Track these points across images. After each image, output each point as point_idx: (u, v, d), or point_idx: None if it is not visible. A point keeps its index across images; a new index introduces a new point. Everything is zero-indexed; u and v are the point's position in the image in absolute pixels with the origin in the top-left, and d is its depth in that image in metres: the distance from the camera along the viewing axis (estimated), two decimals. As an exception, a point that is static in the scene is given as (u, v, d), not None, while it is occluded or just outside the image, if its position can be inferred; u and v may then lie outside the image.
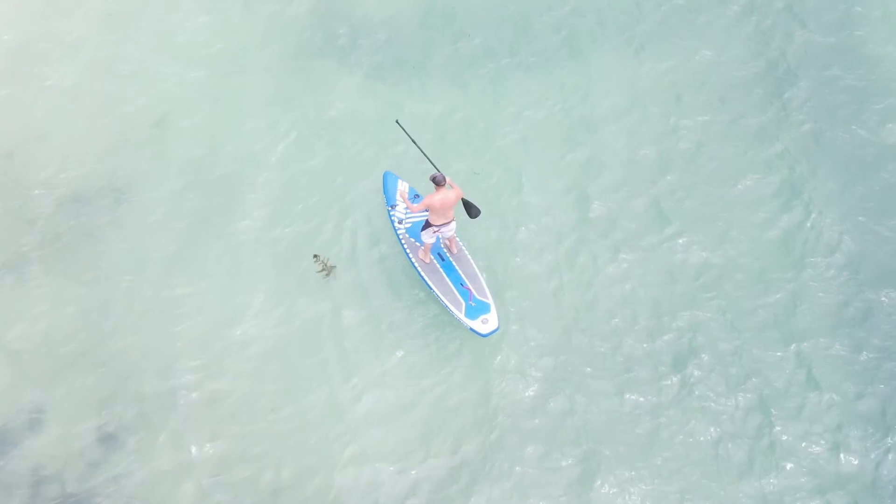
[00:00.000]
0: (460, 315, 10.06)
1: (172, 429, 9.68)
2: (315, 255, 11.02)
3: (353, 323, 10.49)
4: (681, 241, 11.12)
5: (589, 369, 10.11)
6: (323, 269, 10.89)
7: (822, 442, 9.53)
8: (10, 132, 12.08)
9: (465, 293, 10.24)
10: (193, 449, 9.56)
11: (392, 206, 11.07)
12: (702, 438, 9.64)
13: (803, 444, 9.52)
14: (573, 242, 11.12)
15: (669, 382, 10.01)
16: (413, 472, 9.45)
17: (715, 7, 13.58)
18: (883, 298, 10.51)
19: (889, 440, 9.47)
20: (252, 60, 13.00)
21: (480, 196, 11.35)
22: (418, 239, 10.66)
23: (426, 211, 9.89)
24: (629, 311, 10.55)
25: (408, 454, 9.57)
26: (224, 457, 9.53)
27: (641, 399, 9.91)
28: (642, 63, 12.89)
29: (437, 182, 9.58)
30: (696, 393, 9.92)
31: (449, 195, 9.67)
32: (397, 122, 10.39)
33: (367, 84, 12.77)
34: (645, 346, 10.28)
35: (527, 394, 9.96)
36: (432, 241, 10.27)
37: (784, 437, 9.57)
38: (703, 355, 10.18)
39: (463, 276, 10.42)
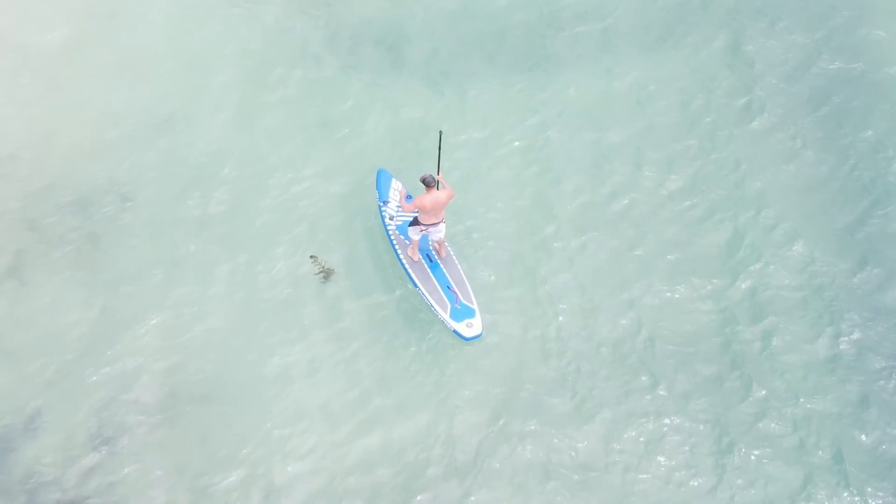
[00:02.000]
0: (445, 316, 9.86)
1: (167, 434, 9.53)
2: (312, 256, 10.77)
3: (350, 324, 10.33)
4: (666, 274, 10.86)
5: (556, 400, 9.84)
6: (321, 272, 10.62)
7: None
8: (15, 135, 11.99)
9: (452, 296, 10.04)
10: (188, 455, 9.40)
11: (384, 203, 10.86)
12: (678, 479, 9.35)
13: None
14: (548, 272, 10.83)
15: (645, 419, 9.73)
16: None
17: (706, 25, 13.53)
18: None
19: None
20: (261, 66, 12.93)
21: (459, 211, 11.22)
22: (407, 236, 10.44)
23: (417, 211, 9.78)
24: (610, 347, 10.24)
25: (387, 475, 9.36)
26: (217, 464, 9.36)
27: (625, 437, 9.59)
28: (648, 97, 12.72)
29: (427, 183, 9.48)
30: (674, 435, 9.62)
31: (440, 196, 9.56)
32: (440, 133, 10.05)
33: (366, 89, 12.70)
34: (624, 382, 9.98)
35: (498, 421, 9.71)
36: (417, 237, 10.12)
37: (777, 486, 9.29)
38: (683, 394, 9.91)
39: (450, 279, 10.22)
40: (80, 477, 9.21)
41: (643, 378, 9.92)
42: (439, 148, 9.90)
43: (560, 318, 10.34)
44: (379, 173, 11.15)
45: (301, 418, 9.62)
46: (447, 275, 10.23)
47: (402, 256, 10.39)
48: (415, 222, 9.93)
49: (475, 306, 9.97)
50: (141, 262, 10.79)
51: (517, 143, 12.05)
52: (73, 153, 11.79)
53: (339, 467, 9.32)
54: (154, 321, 10.28)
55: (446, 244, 10.46)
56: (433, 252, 10.45)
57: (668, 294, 10.59)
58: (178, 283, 10.60)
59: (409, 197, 10.94)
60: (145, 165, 11.72)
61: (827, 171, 11.71)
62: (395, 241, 10.53)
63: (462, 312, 9.87)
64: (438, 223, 9.85)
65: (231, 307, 10.43)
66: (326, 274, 10.59)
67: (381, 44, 13.27)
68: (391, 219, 10.72)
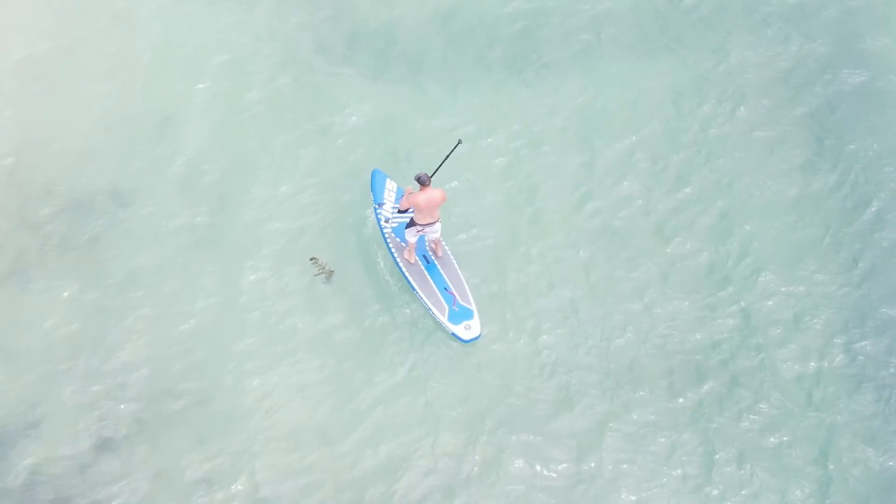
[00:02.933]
0: (443, 319, 9.69)
1: (165, 435, 9.50)
2: (312, 258, 10.64)
3: (345, 332, 10.20)
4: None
5: (556, 411, 9.63)
6: (321, 273, 10.49)
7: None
8: (15, 137, 11.97)
9: (449, 298, 9.87)
10: (186, 456, 9.35)
11: (379, 205, 10.67)
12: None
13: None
14: (554, 275, 10.65)
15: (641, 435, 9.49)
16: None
17: (710, 35, 13.29)
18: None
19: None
20: (255, 69, 12.83)
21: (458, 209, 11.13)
22: (403, 239, 10.25)
23: (411, 210, 9.69)
24: (612, 358, 9.99)
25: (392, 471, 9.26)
26: (215, 465, 9.32)
27: (627, 449, 9.37)
28: (651, 107, 12.46)
29: (422, 182, 9.45)
30: (676, 446, 9.38)
31: (434, 194, 9.52)
32: (459, 141, 10.03)
33: (366, 91, 12.59)
34: (625, 393, 9.74)
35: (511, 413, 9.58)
36: (415, 240, 9.99)
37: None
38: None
39: (447, 280, 10.06)
40: (76, 479, 9.18)
41: (645, 389, 9.70)
42: (448, 154, 9.81)
43: (561, 329, 10.13)
44: (373, 174, 10.97)
45: (295, 429, 9.49)
46: (444, 275, 10.07)
47: (398, 260, 10.22)
48: (411, 223, 9.80)
49: (473, 307, 9.80)
50: (138, 267, 10.72)
51: (521, 152, 11.84)
52: (72, 157, 11.70)
53: (331, 479, 9.18)
54: (152, 326, 10.23)
55: (443, 243, 10.33)
56: (430, 252, 10.30)
57: (672, 305, 10.36)
58: (177, 289, 10.52)
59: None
60: (143, 170, 11.62)
61: (834, 179, 11.52)
62: (391, 245, 10.35)
63: (460, 314, 9.70)
64: (434, 223, 9.73)
65: (229, 314, 10.31)
66: (328, 275, 10.45)
67: (381, 49, 13.12)
68: (386, 221, 10.53)
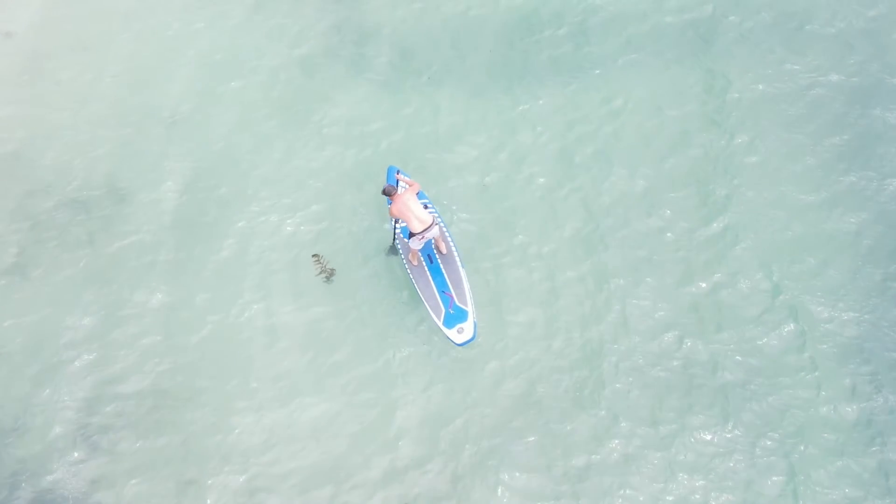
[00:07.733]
0: (439, 322, 10.15)
1: (155, 437, 9.85)
2: (314, 255, 11.03)
3: (345, 331, 10.62)
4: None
5: (573, 418, 10.00)
6: (322, 272, 10.94)
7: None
8: (17, 133, 12.27)
9: (447, 300, 10.27)
10: (172, 457, 9.72)
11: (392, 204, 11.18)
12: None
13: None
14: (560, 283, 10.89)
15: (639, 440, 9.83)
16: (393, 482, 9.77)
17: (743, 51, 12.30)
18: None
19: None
20: (262, 71, 13.06)
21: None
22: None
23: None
24: (637, 372, 10.27)
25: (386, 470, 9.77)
26: (202, 468, 9.70)
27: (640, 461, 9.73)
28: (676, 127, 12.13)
29: (389, 193, 10.02)
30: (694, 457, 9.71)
31: (404, 198, 9.98)
32: (399, 170, 10.55)
33: (372, 91, 12.75)
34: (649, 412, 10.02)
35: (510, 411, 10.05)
36: (419, 247, 10.37)
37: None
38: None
39: (448, 280, 10.43)
40: (66, 475, 9.52)
41: (669, 407, 10.02)
42: (397, 180, 10.28)
43: (583, 342, 10.43)
44: (389, 170, 11.31)
45: (290, 430, 9.87)
46: (445, 276, 10.45)
47: (405, 260, 10.73)
48: (411, 234, 10.15)
49: (469, 308, 10.12)
50: (140, 263, 11.00)
51: (528, 158, 11.96)
52: (75, 154, 12.00)
53: (328, 481, 9.62)
54: (150, 323, 10.53)
55: (449, 238, 10.68)
56: (434, 250, 10.68)
57: (710, 337, 10.44)
58: (177, 287, 10.81)
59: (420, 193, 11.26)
60: (147, 166, 11.90)
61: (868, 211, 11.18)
62: (400, 245, 10.83)
63: (455, 317, 10.08)
64: (430, 226, 10.03)
65: (230, 312, 10.62)
66: (329, 273, 10.90)
67: (396, 52, 13.19)
68: (397, 221, 10.89)
